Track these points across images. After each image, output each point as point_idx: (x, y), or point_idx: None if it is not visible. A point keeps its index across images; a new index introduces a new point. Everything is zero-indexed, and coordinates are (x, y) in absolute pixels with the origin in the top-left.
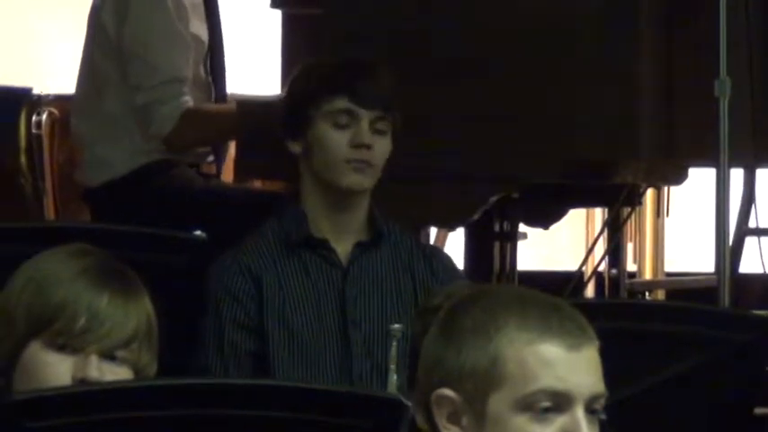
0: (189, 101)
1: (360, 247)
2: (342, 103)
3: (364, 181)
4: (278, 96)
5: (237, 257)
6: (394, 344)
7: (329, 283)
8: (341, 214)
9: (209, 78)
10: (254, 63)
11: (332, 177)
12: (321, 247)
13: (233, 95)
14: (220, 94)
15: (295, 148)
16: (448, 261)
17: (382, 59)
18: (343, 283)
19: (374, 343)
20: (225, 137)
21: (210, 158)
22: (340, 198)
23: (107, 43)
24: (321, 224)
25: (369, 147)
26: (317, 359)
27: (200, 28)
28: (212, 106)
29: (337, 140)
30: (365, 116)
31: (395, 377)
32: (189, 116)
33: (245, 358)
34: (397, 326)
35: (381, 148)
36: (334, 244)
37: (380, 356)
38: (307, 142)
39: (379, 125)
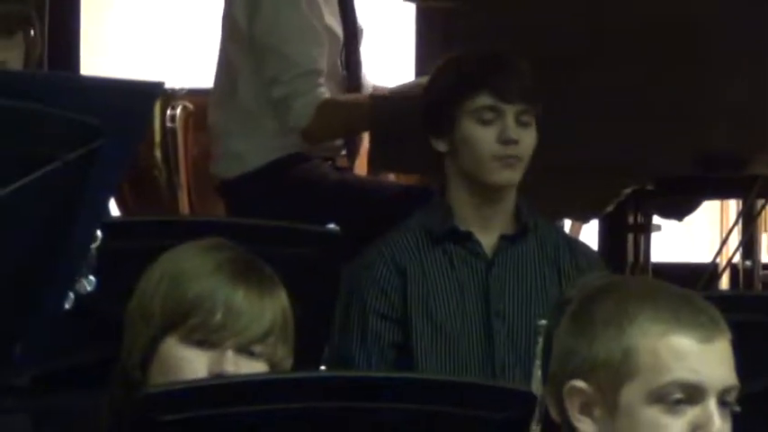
0: (325, 92)
1: (505, 240)
2: (485, 99)
3: (514, 176)
4: (411, 89)
5: (382, 249)
6: (540, 339)
7: (474, 276)
8: (488, 207)
9: (344, 71)
10: (388, 56)
11: (481, 174)
12: (466, 240)
13: (376, 88)
14: (355, 87)
15: (440, 146)
16: (593, 255)
17: (517, 53)
18: (488, 275)
19: (518, 336)
20: (361, 127)
21: (344, 152)
22: (488, 193)
23: (239, 37)
24: (467, 217)
25: (516, 142)
26: (460, 351)
27: (333, 21)
28: (347, 97)
29: (484, 137)
30: (509, 111)
31: (539, 372)
32: (325, 107)
33: (389, 349)
34: (544, 321)
35: (528, 140)
36: (479, 236)
37: (524, 349)
38: (452, 140)
39: (524, 118)
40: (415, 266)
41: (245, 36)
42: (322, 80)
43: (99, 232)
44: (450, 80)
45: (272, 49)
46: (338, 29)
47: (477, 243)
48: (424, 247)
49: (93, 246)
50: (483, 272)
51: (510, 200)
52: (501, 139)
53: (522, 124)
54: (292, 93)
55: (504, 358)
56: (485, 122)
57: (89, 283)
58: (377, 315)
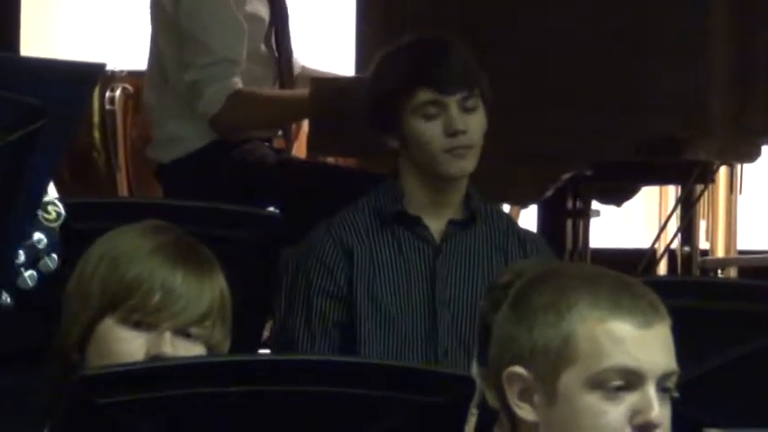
0: (238, 82)
1: (453, 225)
2: (425, 95)
3: (467, 165)
4: (350, 78)
5: (330, 229)
6: None
7: (420, 260)
8: (440, 195)
9: (275, 52)
10: (329, 40)
11: (434, 167)
12: (414, 224)
13: (306, 69)
14: (285, 70)
15: (391, 143)
16: (543, 246)
17: (455, 35)
18: (435, 260)
19: (462, 320)
20: (276, 122)
21: (280, 133)
22: (442, 183)
23: (167, 22)
24: (417, 201)
25: (464, 131)
26: (403, 334)
27: (258, 6)
28: (265, 90)
29: (431, 132)
30: (452, 102)
31: None
32: (236, 98)
33: (333, 329)
34: None
35: (476, 125)
36: (428, 221)
37: (468, 334)
38: (402, 137)
39: (468, 103)
40: (362, 247)
41: (171, 20)
42: (237, 70)
43: (63, 210)
44: (389, 78)
45: (191, 34)
46: (263, 11)
47: (426, 228)
48: (373, 229)
49: (56, 224)
50: (430, 257)
51: (462, 187)
52: (447, 131)
53: (467, 110)
54: (204, 79)
55: (447, 343)
56: (429, 117)
57: (51, 261)
58: (322, 294)
